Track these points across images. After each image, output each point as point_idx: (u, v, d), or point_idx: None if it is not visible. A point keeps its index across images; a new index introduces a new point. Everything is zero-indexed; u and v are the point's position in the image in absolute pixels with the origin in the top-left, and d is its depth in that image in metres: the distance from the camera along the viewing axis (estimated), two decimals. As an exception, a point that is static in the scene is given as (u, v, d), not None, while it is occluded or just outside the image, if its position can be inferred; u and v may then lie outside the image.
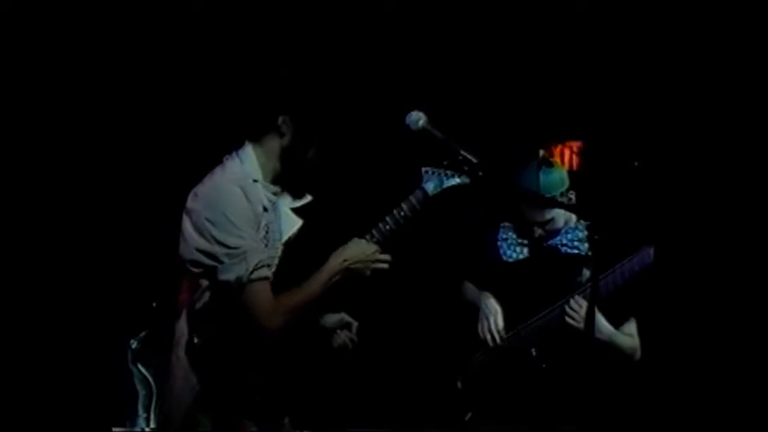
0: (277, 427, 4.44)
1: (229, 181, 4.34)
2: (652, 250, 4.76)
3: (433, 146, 4.38)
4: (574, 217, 4.98)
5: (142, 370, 5.28)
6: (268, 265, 4.31)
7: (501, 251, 5.11)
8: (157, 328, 5.24)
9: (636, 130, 5.60)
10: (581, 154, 4.85)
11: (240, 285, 4.26)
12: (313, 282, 4.34)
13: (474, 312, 5.01)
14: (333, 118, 4.45)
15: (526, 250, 5.04)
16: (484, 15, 5.97)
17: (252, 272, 4.25)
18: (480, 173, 4.34)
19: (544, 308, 4.94)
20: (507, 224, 5.12)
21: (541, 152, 4.93)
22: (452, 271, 5.17)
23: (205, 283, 4.36)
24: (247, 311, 4.29)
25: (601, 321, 4.82)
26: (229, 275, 4.26)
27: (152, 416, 5.23)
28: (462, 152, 4.34)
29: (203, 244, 4.31)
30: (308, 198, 4.52)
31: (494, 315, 4.95)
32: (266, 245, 4.35)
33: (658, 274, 5.08)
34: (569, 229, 5.02)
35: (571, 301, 4.83)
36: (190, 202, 4.38)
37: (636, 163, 4.86)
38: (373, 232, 4.49)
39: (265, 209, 4.36)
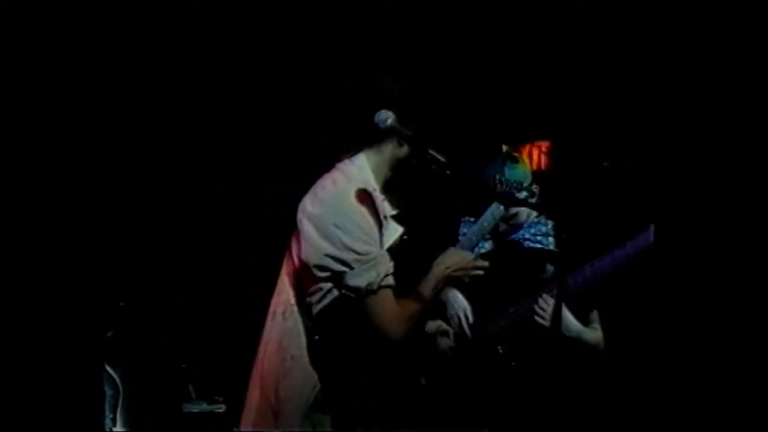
0: None
1: (356, 187, 4.39)
2: (624, 250, 4.76)
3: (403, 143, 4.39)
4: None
5: (110, 370, 5.26)
6: (393, 274, 4.38)
7: (462, 246, 5.11)
8: (124, 329, 5.22)
9: (605, 130, 5.62)
10: (550, 153, 4.87)
11: (369, 291, 4.33)
12: (424, 290, 4.44)
13: (438, 307, 4.99)
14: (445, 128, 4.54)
15: (488, 245, 5.04)
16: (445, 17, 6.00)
17: (382, 279, 4.33)
18: (447, 172, 4.36)
19: (507, 302, 4.92)
20: (468, 218, 5.12)
21: (505, 147, 4.95)
22: (415, 265, 5.15)
23: (326, 285, 4.40)
24: (374, 318, 4.35)
25: (569, 318, 4.81)
26: (359, 281, 4.33)
27: (119, 417, 5.21)
28: (430, 151, 4.37)
29: (332, 249, 4.35)
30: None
31: (464, 310, 4.94)
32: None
33: (657, 272, 5.17)
34: (532, 223, 5.01)
35: (540, 300, 4.83)
36: (312, 208, 4.44)
37: (605, 163, 4.87)
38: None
39: (385, 217, 4.42)
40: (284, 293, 4.52)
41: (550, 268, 4.91)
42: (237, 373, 4.56)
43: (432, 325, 4.81)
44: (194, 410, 5.08)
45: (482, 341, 4.94)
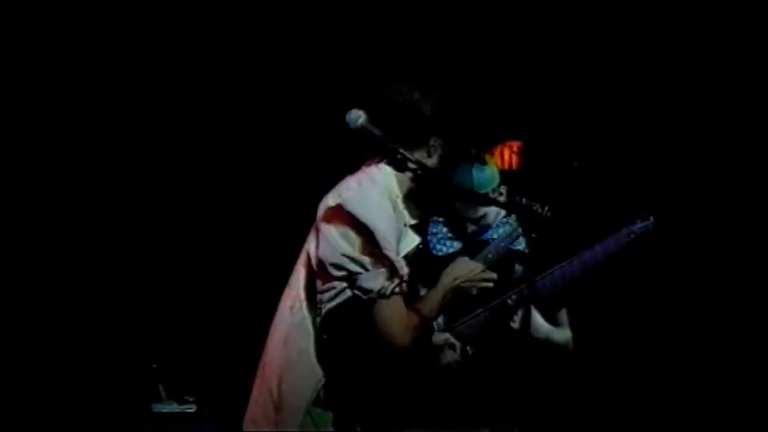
0: None
1: (380, 193, 4.43)
2: (593, 252, 4.72)
3: (373, 145, 4.37)
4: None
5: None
6: (407, 282, 4.40)
7: (431, 245, 5.08)
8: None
9: (575, 130, 5.59)
10: (521, 153, 4.85)
11: (381, 296, 4.36)
12: (431, 300, 4.48)
13: None
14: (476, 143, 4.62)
15: (456, 244, 5.01)
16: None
17: (396, 286, 4.37)
18: (418, 172, 4.34)
19: (476, 302, 4.89)
20: (438, 219, 5.09)
21: (473, 150, 4.94)
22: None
23: (340, 285, 4.43)
24: (382, 323, 4.38)
25: (538, 320, 4.80)
26: (372, 284, 4.37)
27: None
28: (401, 151, 4.34)
29: (349, 249, 4.39)
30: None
31: None
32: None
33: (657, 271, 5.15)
34: (500, 223, 4.99)
35: (509, 302, 4.80)
36: (339, 209, 4.46)
37: (576, 163, 4.83)
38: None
39: (405, 225, 4.47)
40: (295, 288, 4.54)
41: (518, 268, 4.88)
42: (210, 373, 4.57)
43: (440, 337, 4.78)
44: (164, 411, 5.08)
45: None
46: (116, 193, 6.04)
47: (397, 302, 4.36)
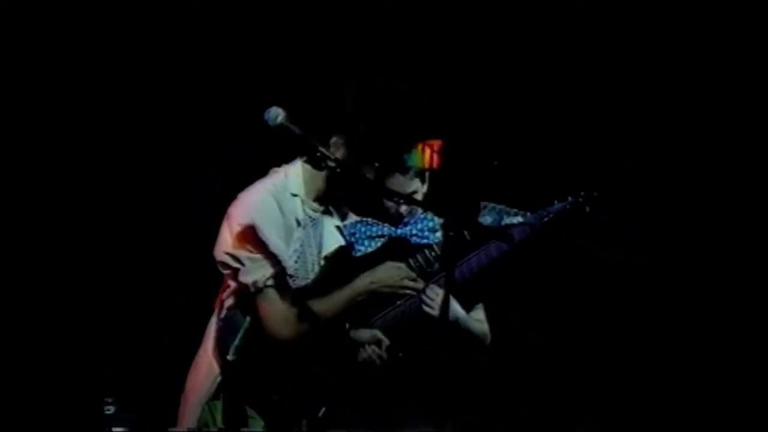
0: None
1: (265, 190, 4.57)
2: (509, 236, 4.63)
3: (292, 142, 4.35)
4: None
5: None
6: (291, 276, 4.51)
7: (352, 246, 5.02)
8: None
9: (496, 129, 5.51)
10: (441, 152, 4.77)
11: (257, 289, 4.50)
12: (334, 298, 4.53)
13: None
14: (388, 143, 4.54)
15: (373, 243, 4.95)
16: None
17: (268, 279, 4.47)
18: (337, 169, 4.31)
19: (395, 297, 4.82)
20: (355, 219, 5.03)
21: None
22: None
23: (233, 283, 4.59)
24: (261, 316, 4.52)
25: (456, 308, 4.74)
26: (247, 278, 4.51)
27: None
28: (320, 148, 4.33)
29: (229, 247, 4.55)
30: (353, 218, 4.72)
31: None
32: (297, 259, 4.55)
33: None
34: (419, 218, 4.92)
35: (428, 290, 4.71)
36: (231, 207, 4.63)
37: (495, 162, 4.75)
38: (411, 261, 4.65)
39: (299, 224, 4.56)
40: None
41: (436, 264, 4.81)
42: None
43: (365, 334, 4.69)
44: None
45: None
46: (116, 193, 6.10)
47: (271, 295, 4.46)
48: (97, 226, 6.07)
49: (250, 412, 4.52)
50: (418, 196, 4.71)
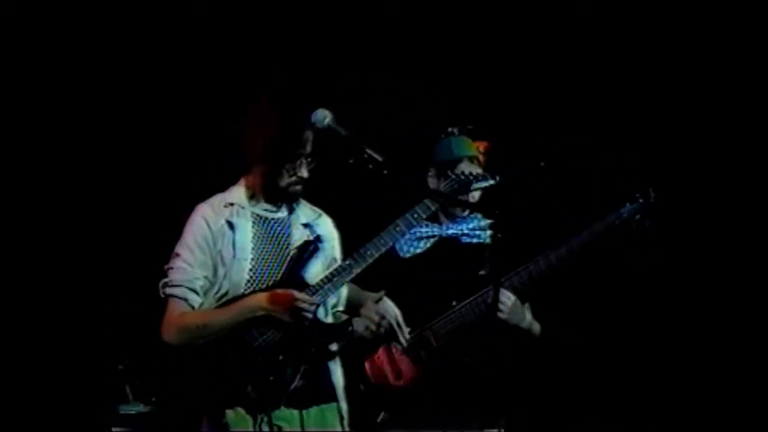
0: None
1: (198, 207, 4.74)
2: (581, 238, 4.71)
3: (339, 144, 4.36)
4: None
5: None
6: (190, 288, 4.61)
7: (398, 247, 5.06)
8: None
9: (542, 130, 5.57)
10: (487, 153, 4.84)
11: (162, 295, 4.65)
12: (220, 312, 4.58)
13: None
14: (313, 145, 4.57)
15: (423, 244, 4.98)
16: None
17: (166, 287, 4.63)
18: (384, 171, 4.33)
19: (447, 298, 4.86)
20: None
21: (451, 129, 4.96)
22: None
23: None
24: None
25: (526, 311, 4.87)
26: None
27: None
28: (367, 150, 4.34)
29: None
30: (317, 214, 4.77)
31: (395, 318, 4.89)
32: (228, 258, 4.61)
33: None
34: (470, 218, 4.95)
35: (500, 294, 4.79)
36: None
37: (542, 163, 4.81)
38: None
39: (231, 226, 4.62)
40: None
41: (484, 260, 4.87)
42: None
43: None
44: (131, 412, 5.11)
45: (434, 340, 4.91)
46: (116, 193, 6.07)
47: (169, 301, 4.63)
48: (97, 227, 6.04)
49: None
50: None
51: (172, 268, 4.62)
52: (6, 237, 5.90)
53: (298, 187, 4.64)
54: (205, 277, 4.60)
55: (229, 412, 4.51)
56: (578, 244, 4.74)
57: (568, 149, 5.67)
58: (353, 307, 4.72)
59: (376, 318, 4.60)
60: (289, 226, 4.71)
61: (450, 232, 4.96)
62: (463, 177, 4.63)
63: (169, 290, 4.61)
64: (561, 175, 5.20)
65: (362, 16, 6.12)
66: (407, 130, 5.75)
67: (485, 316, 4.82)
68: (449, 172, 4.74)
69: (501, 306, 4.81)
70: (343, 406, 4.66)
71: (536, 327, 4.97)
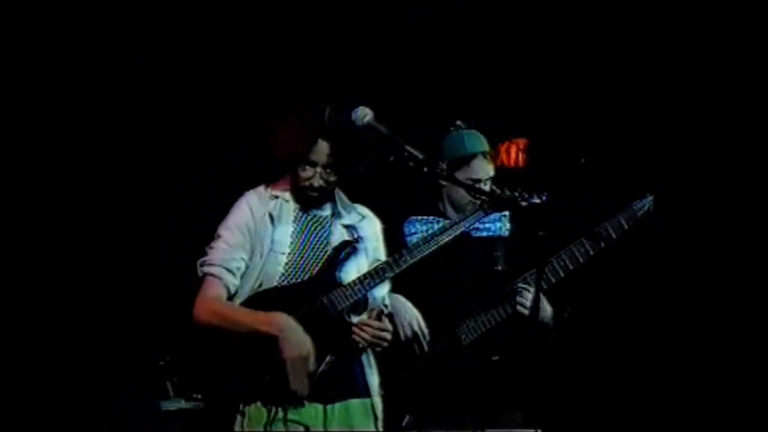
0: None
1: (246, 194, 4.79)
2: (605, 231, 4.76)
3: (379, 142, 4.39)
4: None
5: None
6: (226, 268, 4.64)
7: (408, 243, 5.05)
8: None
9: (582, 127, 5.60)
10: (527, 150, 4.87)
11: (200, 273, 4.69)
12: (246, 315, 4.61)
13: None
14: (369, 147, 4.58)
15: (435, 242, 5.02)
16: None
17: (204, 265, 4.67)
18: (425, 168, 4.36)
19: (464, 293, 4.89)
20: (414, 218, 5.11)
21: (459, 122, 5.00)
22: None
23: None
24: None
25: (546, 306, 4.88)
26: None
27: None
28: (407, 148, 4.37)
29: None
30: (361, 216, 4.79)
31: (416, 319, 4.93)
32: (266, 250, 4.64)
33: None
34: (493, 218, 4.99)
35: (524, 292, 4.81)
36: None
37: (582, 160, 4.86)
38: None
39: (272, 220, 4.68)
40: None
41: (498, 254, 4.91)
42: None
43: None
44: (171, 408, 5.10)
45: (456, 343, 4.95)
46: (116, 193, 6.04)
47: (205, 279, 4.68)
48: (97, 227, 6.00)
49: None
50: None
51: (212, 248, 4.68)
52: (42, 233, 5.86)
53: (314, 194, 4.70)
54: (242, 259, 4.65)
55: (250, 408, 4.52)
56: (608, 235, 4.79)
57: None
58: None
59: (368, 337, 4.62)
60: (330, 225, 4.75)
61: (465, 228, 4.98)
62: (508, 194, 4.63)
63: (206, 269, 4.66)
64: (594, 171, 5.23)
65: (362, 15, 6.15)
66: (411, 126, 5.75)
67: (514, 316, 4.84)
68: (494, 188, 4.77)
69: (524, 302, 4.85)
70: (378, 403, 4.68)
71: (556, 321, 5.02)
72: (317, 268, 4.66)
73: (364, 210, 4.85)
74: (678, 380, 5.95)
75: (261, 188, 4.80)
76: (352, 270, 4.68)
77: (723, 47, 5.92)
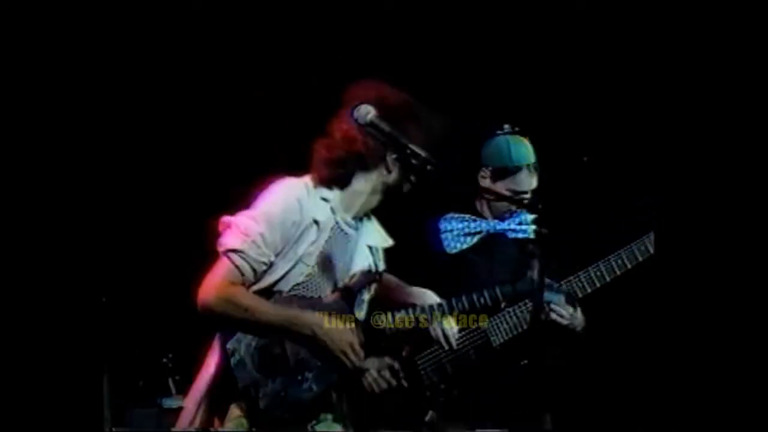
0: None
1: (296, 186, 4.44)
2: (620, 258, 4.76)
3: (382, 139, 4.38)
4: None
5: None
6: (252, 266, 4.34)
7: (445, 243, 5.07)
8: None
9: (586, 125, 5.60)
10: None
11: (221, 251, 4.38)
12: (272, 309, 4.37)
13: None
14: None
15: (469, 240, 5.00)
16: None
17: (228, 250, 4.35)
18: (428, 167, 4.34)
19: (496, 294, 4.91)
20: (451, 215, 5.09)
21: (506, 126, 4.96)
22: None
23: None
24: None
25: (579, 315, 4.93)
26: (223, 240, 4.41)
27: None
28: (410, 146, 4.35)
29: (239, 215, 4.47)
30: (382, 238, 4.62)
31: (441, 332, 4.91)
32: (295, 257, 4.40)
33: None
34: (517, 213, 4.99)
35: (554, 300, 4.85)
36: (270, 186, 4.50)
37: (585, 158, 4.86)
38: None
39: (317, 224, 4.41)
40: None
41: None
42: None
43: (373, 362, 4.64)
44: (173, 406, 5.09)
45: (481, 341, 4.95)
46: (116, 193, 6.04)
47: (221, 262, 4.37)
48: (96, 227, 6.00)
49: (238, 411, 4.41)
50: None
51: (247, 235, 4.34)
52: (42, 230, 5.83)
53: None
54: (270, 261, 4.35)
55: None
56: (646, 249, 4.79)
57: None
58: (386, 300, 4.67)
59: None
60: (356, 245, 4.55)
61: (499, 228, 4.97)
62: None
63: (231, 255, 4.34)
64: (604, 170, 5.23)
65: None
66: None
67: (546, 323, 4.85)
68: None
69: (557, 309, 4.87)
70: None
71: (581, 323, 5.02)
72: (331, 291, 4.48)
73: (384, 232, 4.68)
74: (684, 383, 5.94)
75: (308, 181, 4.50)
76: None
77: (727, 47, 5.91)
